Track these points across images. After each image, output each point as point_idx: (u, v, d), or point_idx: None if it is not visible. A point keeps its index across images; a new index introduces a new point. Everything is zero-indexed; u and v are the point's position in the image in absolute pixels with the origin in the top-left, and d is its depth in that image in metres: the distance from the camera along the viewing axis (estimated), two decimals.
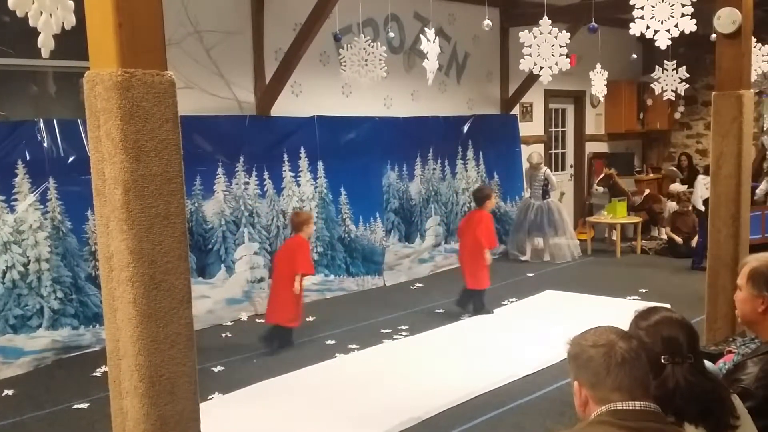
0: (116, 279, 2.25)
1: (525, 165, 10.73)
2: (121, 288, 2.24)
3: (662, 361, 2.10)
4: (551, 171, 10.90)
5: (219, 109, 7.47)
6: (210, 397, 5.35)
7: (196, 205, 7.26)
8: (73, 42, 2.87)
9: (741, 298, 2.62)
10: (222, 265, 7.46)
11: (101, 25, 2.22)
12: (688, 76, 8.94)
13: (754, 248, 4.25)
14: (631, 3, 5.15)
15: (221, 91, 7.52)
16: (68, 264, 6.37)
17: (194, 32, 7.21)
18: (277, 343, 6.49)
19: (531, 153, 10.53)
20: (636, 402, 1.90)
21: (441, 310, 7.71)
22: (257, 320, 7.47)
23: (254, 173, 7.71)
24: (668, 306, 2.27)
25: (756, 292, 2.56)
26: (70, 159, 6.37)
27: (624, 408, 1.90)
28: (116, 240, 2.23)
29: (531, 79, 9.80)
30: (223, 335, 6.99)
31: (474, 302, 7.55)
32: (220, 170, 7.43)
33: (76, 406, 5.26)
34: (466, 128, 10.12)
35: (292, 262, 6.44)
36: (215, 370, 5.97)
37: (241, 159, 7.59)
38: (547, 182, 10.34)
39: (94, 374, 5.81)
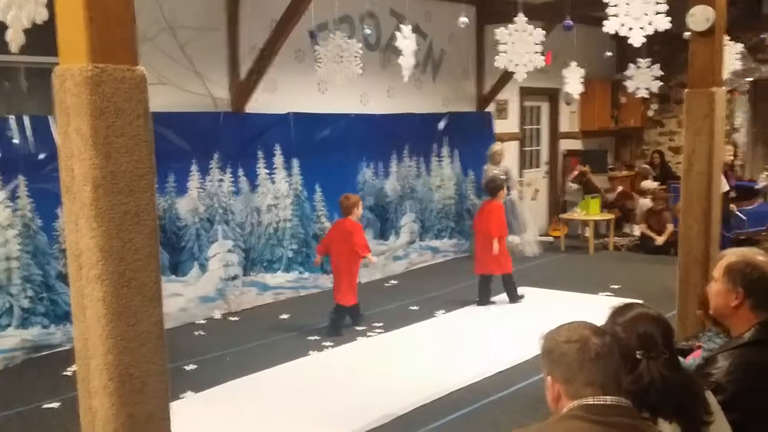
0: (85, 277, 2.22)
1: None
2: (91, 286, 2.20)
3: (637, 356, 2.11)
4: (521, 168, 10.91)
5: (193, 106, 7.40)
6: (182, 395, 5.30)
7: (170, 202, 7.19)
8: (46, 37, 2.82)
9: (715, 291, 2.65)
10: (195, 262, 7.40)
11: (71, 20, 2.18)
12: (661, 73, 9.02)
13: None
14: (605, 1, 5.18)
15: (196, 88, 7.45)
16: (38, 262, 6.29)
17: (168, 28, 7.13)
18: (351, 321, 7.03)
19: (492, 147, 10.22)
20: (607, 397, 1.92)
21: (415, 307, 7.72)
22: (231, 318, 7.43)
23: (228, 170, 7.65)
24: (644, 302, 2.30)
25: (731, 286, 2.59)
26: (41, 156, 6.28)
27: (595, 403, 1.91)
28: (85, 237, 2.19)
29: (506, 76, 9.82)
30: (196, 333, 6.93)
31: (508, 288, 7.87)
32: (193, 167, 7.37)
33: (46, 406, 5.19)
34: (441, 125, 10.13)
35: (350, 245, 6.82)
36: (187, 368, 5.92)
37: (216, 156, 7.53)
38: (508, 178, 10.24)
39: (65, 373, 5.74)
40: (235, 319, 7.44)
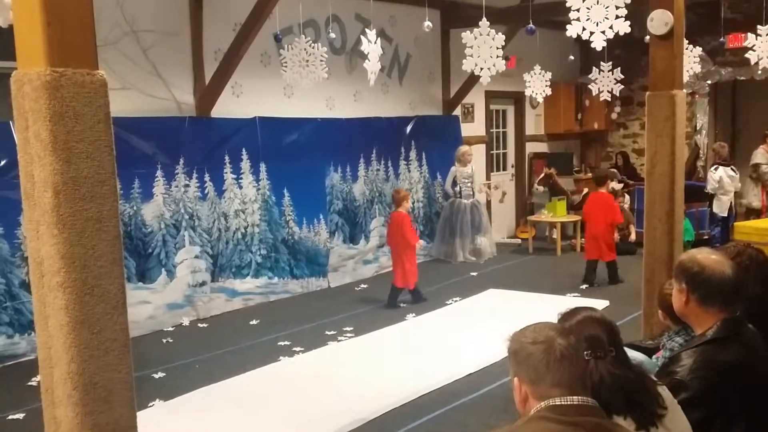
0: (47, 285, 2.18)
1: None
2: (53, 294, 2.17)
3: (585, 357, 2.15)
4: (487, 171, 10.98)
5: (157, 111, 7.34)
6: (151, 404, 5.25)
7: (135, 208, 7.11)
8: (6, 42, 2.77)
9: (672, 293, 2.70)
10: (162, 269, 7.32)
11: (29, 24, 2.15)
12: (623, 77, 9.17)
13: None
14: (567, 5, 5.24)
15: (159, 92, 7.39)
16: (1, 271, 6.18)
17: (131, 32, 7.07)
18: (411, 300, 7.92)
19: (461, 148, 10.28)
20: (574, 397, 1.93)
21: (386, 311, 7.71)
22: (199, 325, 7.37)
23: (194, 175, 7.59)
24: (590, 306, 2.35)
25: (678, 284, 2.64)
26: (2, 162, 6.18)
27: (562, 403, 1.92)
28: (47, 244, 2.16)
29: (472, 80, 9.90)
30: (165, 341, 6.86)
31: (610, 272, 8.70)
32: (159, 173, 7.30)
33: (11, 417, 5.10)
34: (408, 129, 10.16)
35: (402, 234, 7.80)
36: (156, 376, 5.85)
37: (181, 161, 7.47)
38: (472, 180, 10.26)
39: (30, 383, 5.63)
40: (204, 325, 7.37)
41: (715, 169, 10.45)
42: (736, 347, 2.52)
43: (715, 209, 10.45)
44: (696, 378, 2.44)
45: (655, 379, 2.32)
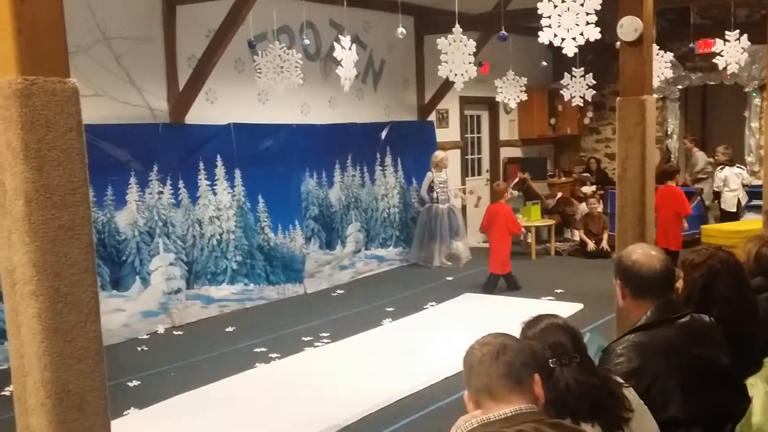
0: (19, 293, 2.17)
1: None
2: (25, 302, 2.15)
3: (550, 364, 2.18)
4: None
5: (131, 117, 7.30)
6: (125, 412, 5.21)
7: (108, 215, 7.06)
8: None
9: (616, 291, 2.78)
10: (137, 276, 7.27)
11: None
12: (594, 82, 9.27)
13: None
14: (539, 12, 5.31)
15: (133, 99, 7.35)
16: None
17: (103, 39, 7.03)
18: (506, 286, 8.63)
19: (437, 154, 10.32)
20: (508, 408, 1.89)
21: (362, 316, 7.72)
22: (175, 332, 7.33)
23: (168, 182, 7.56)
24: (553, 313, 2.38)
25: (615, 281, 2.74)
26: None
27: (494, 420, 1.89)
28: (19, 253, 2.14)
29: (446, 85, 9.95)
30: (139, 349, 6.81)
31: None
32: (132, 179, 7.25)
33: None
34: (383, 135, 10.19)
35: (504, 224, 8.61)
36: (131, 384, 5.81)
37: (155, 168, 7.43)
38: (446, 186, 10.29)
39: (3, 393, 5.57)
40: (180, 333, 7.33)
41: (721, 169, 10.91)
42: (667, 329, 2.60)
43: (722, 206, 11.02)
44: (619, 363, 2.52)
45: (621, 381, 2.35)
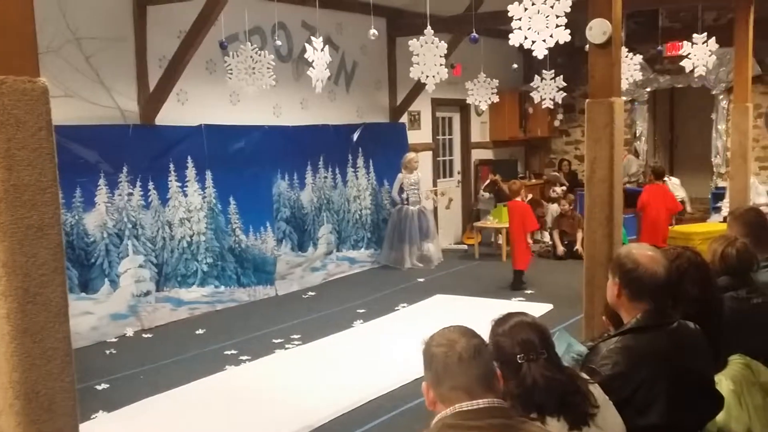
0: None
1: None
2: None
3: (518, 360, 2.21)
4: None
5: (100, 118, 7.23)
6: (94, 416, 5.16)
7: (77, 217, 6.98)
8: None
9: (607, 286, 2.80)
10: (106, 279, 7.20)
11: None
12: (565, 85, 9.37)
13: None
14: (509, 15, 5.35)
15: (103, 100, 7.28)
16: None
17: (73, 39, 6.95)
18: (513, 285, 8.83)
19: (407, 155, 10.33)
20: (480, 400, 1.95)
21: (334, 318, 7.72)
22: (144, 335, 7.26)
23: (138, 184, 7.49)
24: (523, 311, 2.42)
25: (611, 278, 2.74)
26: None
27: (468, 409, 1.94)
28: None
29: (418, 87, 9.99)
30: (108, 352, 6.75)
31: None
32: (101, 181, 7.18)
33: None
34: (356, 136, 10.20)
35: (523, 222, 8.86)
36: (99, 388, 5.75)
37: (125, 169, 7.37)
38: (419, 186, 10.33)
39: None
40: (149, 336, 7.27)
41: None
42: (656, 336, 2.62)
43: None
44: (605, 365, 2.54)
45: (586, 377, 2.39)
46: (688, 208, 11.45)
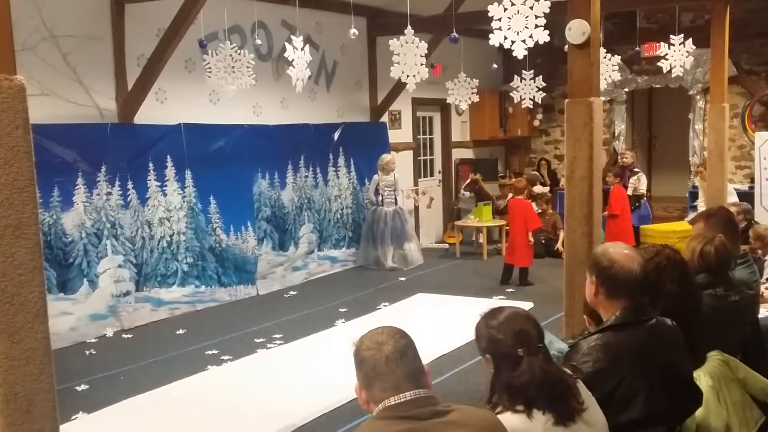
0: None
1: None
2: None
3: (519, 353, 2.21)
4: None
5: (78, 117, 7.16)
6: (74, 417, 5.12)
7: (55, 217, 6.92)
8: None
9: (586, 284, 2.81)
10: (84, 279, 7.14)
11: None
12: (544, 85, 9.42)
13: None
14: (489, 15, 5.37)
15: (80, 98, 7.21)
16: None
17: (50, 37, 6.88)
18: (518, 281, 8.93)
19: (384, 157, 10.29)
20: (407, 393, 2.02)
21: (315, 317, 7.71)
22: (124, 336, 7.21)
23: (117, 183, 7.43)
24: (512, 304, 2.42)
25: (590, 277, 2.76)
26: None
27: (397, 402, 2.01)
28: None
29: (399, 87, 10.00)
30: (88, 353, 6.69)
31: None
32: (79, 180, 7.11)
33: None
34: (336, 136, 10.19)
35: (525, 220, 8.88)
36: (79, 389, 5.71)
37: (103, 168, 7.31)
38: (395, 188, 10.30)
39: None
40: (129, 336, 7.22)
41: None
42: (635, 332, 2.64)
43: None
44: (585, 362, 2.55)
45: (571, 373, 2.40)
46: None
